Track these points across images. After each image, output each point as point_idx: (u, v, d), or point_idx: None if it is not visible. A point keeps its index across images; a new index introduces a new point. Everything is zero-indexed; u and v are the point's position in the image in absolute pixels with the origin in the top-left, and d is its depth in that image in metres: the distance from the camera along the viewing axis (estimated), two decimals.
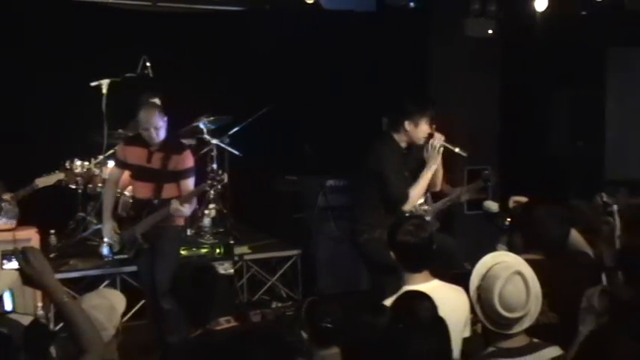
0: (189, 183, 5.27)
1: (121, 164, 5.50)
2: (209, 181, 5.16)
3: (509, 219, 4.41)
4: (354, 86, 8.00)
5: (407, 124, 4.91)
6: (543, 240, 3.59)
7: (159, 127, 5.21)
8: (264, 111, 7.22)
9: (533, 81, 8.21)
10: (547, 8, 7.33)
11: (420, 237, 3.55)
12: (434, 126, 4.99)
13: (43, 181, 5.69)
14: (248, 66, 7.86)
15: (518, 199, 4.32)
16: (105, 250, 5.61)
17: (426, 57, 8.39)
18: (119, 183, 5.73)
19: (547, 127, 8.46)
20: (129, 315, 5.61)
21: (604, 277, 3.92)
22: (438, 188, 5.28)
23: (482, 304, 2.89)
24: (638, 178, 6.96)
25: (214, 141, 7.08)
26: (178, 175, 5.26)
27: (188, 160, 5.34)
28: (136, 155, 5.35)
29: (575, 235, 3.92)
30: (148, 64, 6.70)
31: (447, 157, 5.18)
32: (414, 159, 5.07)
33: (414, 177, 5.04)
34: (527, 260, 3.03)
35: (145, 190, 5.34)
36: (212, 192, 6.24)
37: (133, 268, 5.86)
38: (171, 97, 6.54)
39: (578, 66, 8.02)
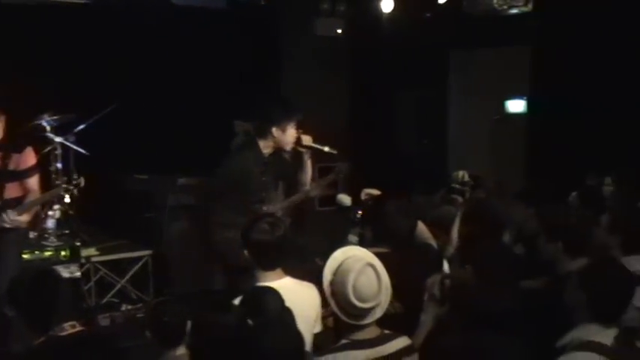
0: (33, 182, 5.07)
1: None
2: (64, 185, 4.94)
3: (360, 212, 4.52)
4: (205, 84, 7.92)
5: (274, 131, 4.93)
6: (391, 233, 3.69)
7: None
8: (111, 108, 6.99)
9: (381, 81, 8.46)
10: (393, 10, 7.58)
11: (275, 235, 3.53)
12: (300, 130, 5.04)
13: None
14: (94, 61, 7.59)
15: (370, 192, 4.44)
16: None
17: (276, 56, 8.43)
18: None
19: (395, 126, 8.75)
20: None
21: (446, 267, 4.11)
22: (307, 188, 5.32)
23: (337, 298, 2.95)
24: (477, 175, 7.29)
25: (58, 139, 6.77)
26: (20, 175, 5.03)
27: (30, 159, 5.13)
28: None
29: (421, 228, 4.07)
30: None
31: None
32: (276, 167, 5.11)
33: (276, 182, 5.16)
34: (375, 254, 3.11)
35: None
36: (68, 197, 5.80)
37: None
38: (11, 93, 6.20)
39: (423, 67, 8.34)
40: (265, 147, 5.00)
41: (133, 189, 7.47)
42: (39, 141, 6.70)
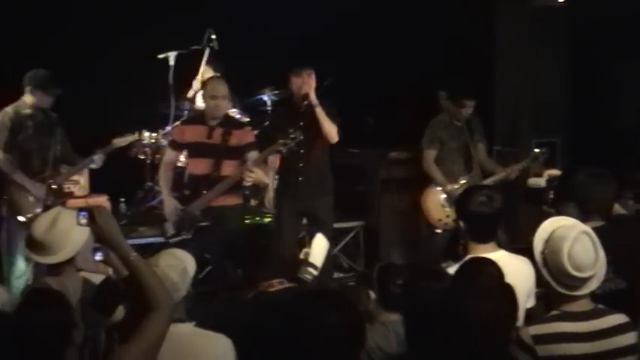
0: (252, 157, 5.27)
1: (178, 146, 5.50)
2: (281, 141, 5.05)
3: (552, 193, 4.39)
4: (414, 59, 7.84)
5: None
6: (593, 201, 3.51)
7: (226, 97, 5.25)
8: (329, 82, 7.13)
9: (604, 52, 7.94)
10: None
11: (493, 208, 3.49)
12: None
13: (119, 142, 5.73)
14: (311, 37, 7.68)
15: (552, 173, 4.35)
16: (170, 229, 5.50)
17: (490, 30, 8.15)
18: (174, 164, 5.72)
19: (617, 99, 8.18)
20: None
21: None
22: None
23: (550, 267, 2.84)
24: None
25: None
26: (240, 151, 5.28)
27: (250, 135, 5.40)
28: (195, 132, 5.36)
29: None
30: (213, 37, 6.78)
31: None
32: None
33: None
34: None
35: (202, 166, 5.33)
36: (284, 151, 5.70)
37: None
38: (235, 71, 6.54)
39: None
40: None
41: (345, 162, 7.63)
42: (260, 115, 7.08)
